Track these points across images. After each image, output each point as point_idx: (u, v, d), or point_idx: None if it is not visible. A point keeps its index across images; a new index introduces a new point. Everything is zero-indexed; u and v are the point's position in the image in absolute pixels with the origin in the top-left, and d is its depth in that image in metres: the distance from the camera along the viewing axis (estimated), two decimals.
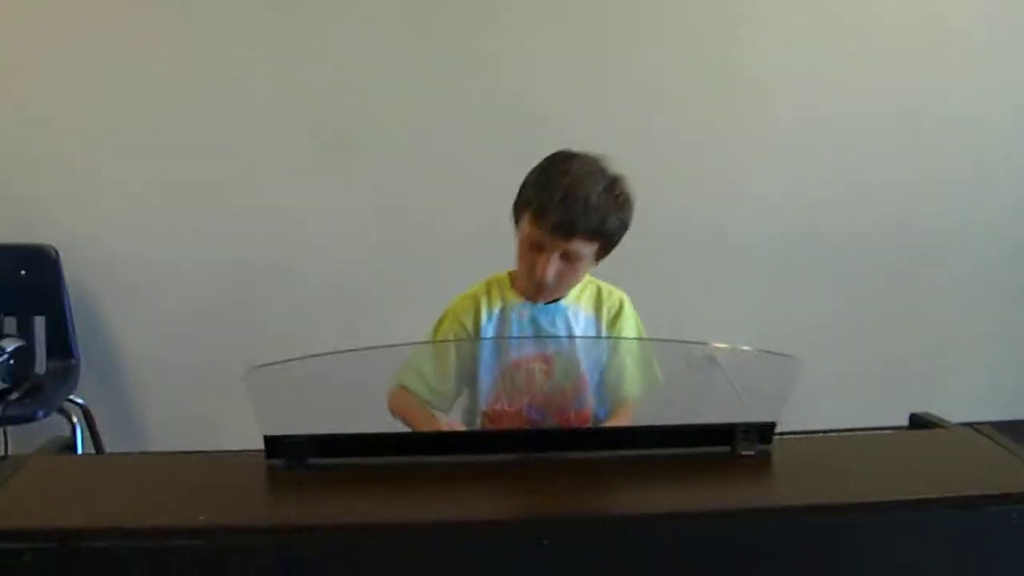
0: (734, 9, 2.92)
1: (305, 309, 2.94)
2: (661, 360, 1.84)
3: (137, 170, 2.82)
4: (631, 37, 2.87)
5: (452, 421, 1.78)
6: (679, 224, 2.98)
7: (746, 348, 1.54)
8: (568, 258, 1.65)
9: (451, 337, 1.80)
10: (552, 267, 1.65)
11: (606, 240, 1.66)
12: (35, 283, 2.73)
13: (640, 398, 1.79)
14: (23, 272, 2.73)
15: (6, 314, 2.71)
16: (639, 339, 1.86)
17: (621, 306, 1.82)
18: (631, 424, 1.74)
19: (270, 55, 2.78)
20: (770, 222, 3.05)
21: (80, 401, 2.76)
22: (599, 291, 1.82)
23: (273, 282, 2.93)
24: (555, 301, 1.77)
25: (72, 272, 2.75)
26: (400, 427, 1.74)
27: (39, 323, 2.74)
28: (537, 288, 1.72)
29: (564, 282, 1.71)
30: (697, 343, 1.58)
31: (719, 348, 1.52)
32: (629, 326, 1.82)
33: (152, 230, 2.86)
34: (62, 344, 2.74)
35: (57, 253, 2.72)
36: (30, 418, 2.46)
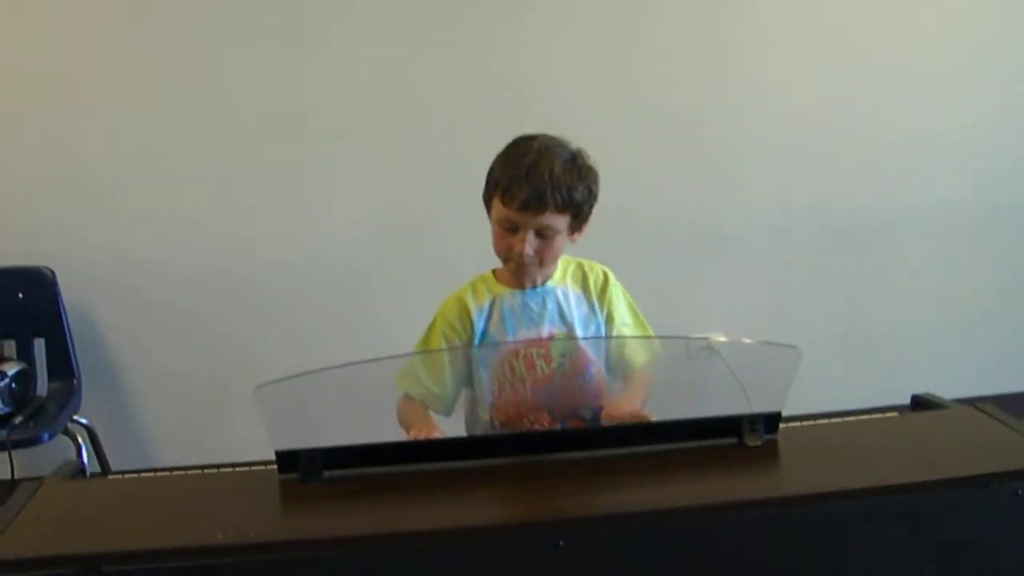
0: (727, 3, 2.95)
1: (307, 317, 2.94)
2: (662, 354, 1.86)
3: (131, 187, 2.81)
4: (625, 29, 2.89)
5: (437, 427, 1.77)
6: (675, 219, 3.02)
7: (747, 340, 1.55)
8: (543, 234, 1.68)
9: (442, 339, 1.81)
10: (529, 244, 1.67)
11: (576, 210, 1.69)
12: (33, 305, 2.72)
13: (648, 362, 1.81)
14: (21, 295, 2.72)
15: (5, 337, 2.70)
16: (636, 314, 1.86)
17: (606, 278, 1.85)
18: (646, 390, 1.74)
19: (268, 57, 2.79)
20: (764, 213, 3.08)
21: (84, 421, 2.75)
22: (581, 267, 1.85)
23: (273, 291, 2.93)
24: (542, 285, 1.80)
25: (69, 292, 2.75)
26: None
27: (39, 345, 2.73)
28: (518, 268, 1.74)
29: (543, 259, 1.73)
30: (698, 338, 1.60)
31: (720, 342, 1.54)
32: (618, 295, 1.85)
33: (147, 246, 2.85)
34: (63, 365, 2.73)
35: (54, 274, 2.71)
36: (35, 441, 2.46)
